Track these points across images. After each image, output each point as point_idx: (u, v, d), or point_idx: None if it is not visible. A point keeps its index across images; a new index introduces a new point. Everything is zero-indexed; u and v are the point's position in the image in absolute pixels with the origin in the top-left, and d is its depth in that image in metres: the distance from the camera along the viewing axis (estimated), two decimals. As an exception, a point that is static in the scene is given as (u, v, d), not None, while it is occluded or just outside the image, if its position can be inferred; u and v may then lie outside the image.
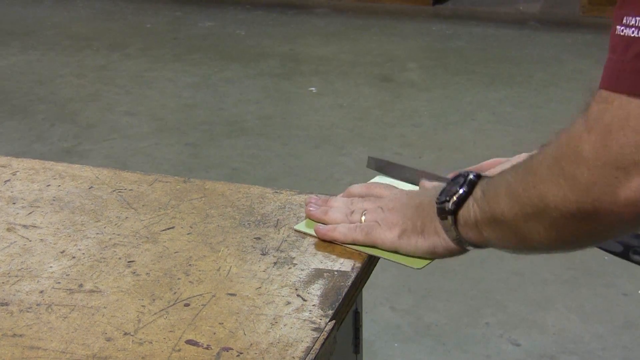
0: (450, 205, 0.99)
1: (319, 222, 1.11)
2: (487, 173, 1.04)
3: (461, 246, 1.02)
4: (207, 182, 1.23)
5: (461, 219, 0.99)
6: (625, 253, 1.04)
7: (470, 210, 0.98)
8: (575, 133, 0.83)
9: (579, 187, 0.82)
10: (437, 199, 1.01)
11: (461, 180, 1.00)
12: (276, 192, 1.20)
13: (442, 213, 1.00)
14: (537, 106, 4.01)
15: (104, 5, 5.64)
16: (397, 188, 1.13)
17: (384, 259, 1.06)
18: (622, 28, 0.79)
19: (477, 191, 0.98)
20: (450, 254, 1.04)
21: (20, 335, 0.91)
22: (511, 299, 2.61)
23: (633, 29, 0.78)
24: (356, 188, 1.15)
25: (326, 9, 5.48)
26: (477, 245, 1.01)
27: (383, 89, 4.26)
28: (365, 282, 1.06)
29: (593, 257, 2.78)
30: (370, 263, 1.06)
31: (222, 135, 3.77)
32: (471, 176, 1.00)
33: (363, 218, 1.08)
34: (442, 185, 1.04)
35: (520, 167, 0.92)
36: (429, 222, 1.03)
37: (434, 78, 4.39)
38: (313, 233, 1.09)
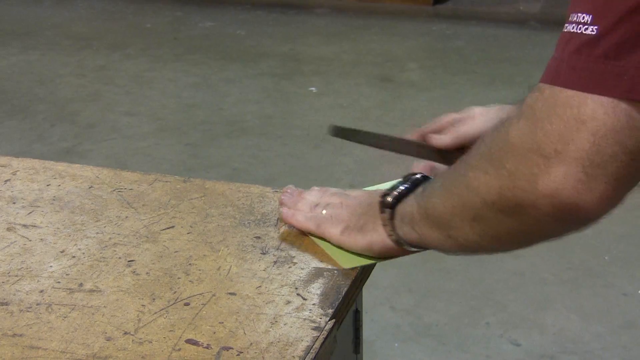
0: (389, 198, 1.01)
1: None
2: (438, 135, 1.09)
3: (399, 245, 1.02)
4: (207, 182, 1.23)
5: (398, 214, 1.00)
6: None
7: (408, 205, 0.99)
8: (508, 121, 0.83)
9: (503, 174, 0.82)
10: (381, 194, 1.03)
11: (408, 178, 1.03)
12: (276, 191, 1.20)
13: (382, 206, 1.02)
14: (537, 106, 4.00)
15: (104, 5, 5.64)
16: (367, 190, 1.14)
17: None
18: (567, 25, 0.80)
19: (419, 188, 1.00)
20: (387, 252, 1.04)
21: (21, 335, 0.91)
22: (511, 299, 2.61)
23: (574, 24, 0.79)
24: (331, 188, 1.16)
25: (326, 9, 5.47)
26: (413, 244, 1.01)
27: (383, 89, 4.26)
28: (365, 282, 1.06)
29: (593, 257, 2.78)
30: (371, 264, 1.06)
31: (222, 135, 3.77)
32: (418, 175, 1.03)
33: (324, 212, 1.09)
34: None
35: (459, 161, 0.92)
36: (372, 220, 1.03)
37: (434, 78, 4.39)
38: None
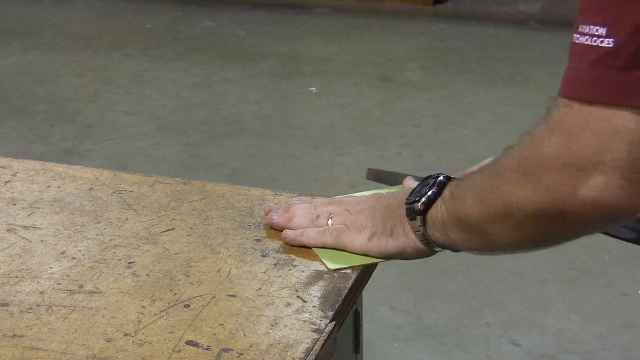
0: (419, 205, 1.01)
1: (283, 230, 1.10)
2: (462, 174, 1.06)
3: (430, 247, 1.03)
4: (207, 184, 1.23)
5: (429, 219, 1.01)
6: (638, 238, 1.05)
7: (439, 211, 1.00)
8: (538, 136, 0.85)
9: (541, 188, 0.85)
10: (407, 199, 1.02)
11: (431, 181, 1.02)
12: (276, 194, 1.21)
13: (411, 213, 1.02)
14: (537, 106, 4.00)
15: (104, 5, 5.64)
16: (363, 195, 1.13)
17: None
18: (578, 36, 0.82)
19: (446, 192, 1.00)
20: (419, 255, 1.05)
21: (21, 336, 0.91)
22: (511, 299, 2.61)
23: (587, 37, 0.81)
24: (318, 198, 1.15)
25: (326, 9, 5.47)
26: (445, 247, 1.02)
27: (383, 88, 4.26)
28: (366, 284, 1.06)
29: (593, 257, 2.78)
30: (370, 264, 1.06)
31: (222, 135, 3.77)
32: (441, 177, 1.02)
33: (330, 222, 1.07)
34: (411, 188, 1.06)
35: (487, 169, 0.95)
36: (399, 224, 1.04)
37: (434, 78, 4.39)
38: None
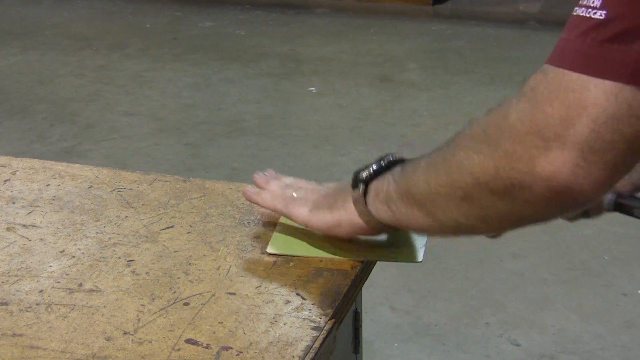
0: (363, 174, 1.00)
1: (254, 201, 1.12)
2: None
3: (368, 223, 1.00)
4: (206, 182, 1.23)
5: (372, 190, 0.99)
6: None
7: (384, 183, 0.98)
8: (507, 103, 0.82)
9: (499, 154, 0.81)
10: (355, 171, 1.01)
11: (383, 157, 1.01)
12: (276, 191, 1.20)
13: (355, 182, 1.00)
14: (537, 106, 4.00)
15: (104, 5, 5.64)
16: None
17: (380, 260, 1.06)
18: (577, 8, 0.80)
19: (398, 168, 0.98)
20: (355, 230, 1.02)
21: (20, 335, 0.91)
22: (511, 299, 2.61)
23: (584, 8, 0.79)
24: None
25: (326, 9, 5.47)
26: (385, 224, 0.99)
27: (383, 89, 4.26)
28: (365, 281, 1.06)
29: (593, 257, 2.78)
30: (369, 262, 1.06)
31: (221, 135, 3.77)
32: (393, 156, 1.01)
33: (295, 194, 1.08)
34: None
35: (444, 143, 0.91)
36: (342, 198, 1.02)
37: (433, 78, 4.39)
38: (283, 252, 1.07)
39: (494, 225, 0.90)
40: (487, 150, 0.83)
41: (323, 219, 1.04)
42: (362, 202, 0.99)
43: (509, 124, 0.81)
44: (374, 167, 1.00)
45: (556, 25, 5.04)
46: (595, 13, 0.77)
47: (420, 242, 1.07)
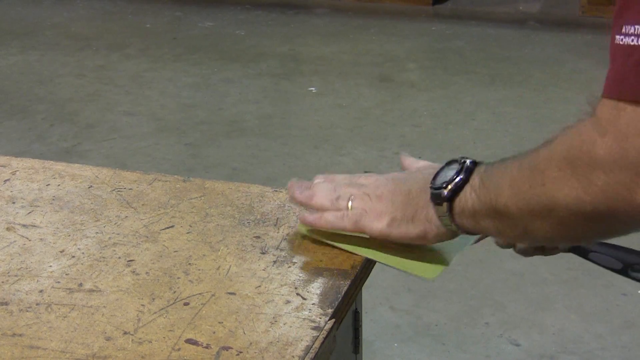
0: (446, 192, 0.97)
1: (303, 207, 1.10)
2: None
3: (454, 234, 1.01)
4: (206, 181, 1.23)
5: (457, 206, 0.98)
6: (624, 270, 1.05)
7: (468, 198, 0.97)
8: (587, 136, 0.83)
9: (595, 190, 0.83)
10: (432, 184, 0.99)
11: (457, 166, 0.99)
12: (276, 190, 1.20)
13: (438, 199, 0.98)
14: (537, 106, 4.01)
15: (104, 5, 5.64)
16: (380, 175, 1.11)
17: (396, 269, 1.05)
18: (622, 37, 0.80)
19: (475, 179, 0.97)
20: (440, 239, 1.03)
21: (20, 335, 0.91)
22: (511, 299, 2.61)
23: (632, 37, 0.79)
24: (338, 176, 1.13)
25: (326, 9, 5.48)
26: (471, 233, 1.00)
27: (383, 89, 4.26)
28: (365, 281, 1.06)
29: (593, 257, 2.78)
30: (369, 262, 1.06)
31: (221, 135, 3.77)
32: (468, 162, 0.98)
33: (350, 204, 1.06)
34: (429, 168, 1.04)
35: (525, 161, 0.91)
36: (420, 209, 1.01)
37: (433, 78, 4.39)
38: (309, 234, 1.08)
39: (589, 240, 0.96)
40: (579, 185, 0.84)
41: (406, 232, 1.03)
42: (449, 218, 0.99)
43: (600, 160, 0.82)
44: (456, 180, 0.97)
45: (556, 25, 5.05)
46: None
47: (442, 261, 1.06)
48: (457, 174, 0.98)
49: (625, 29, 0.80)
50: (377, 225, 1.03)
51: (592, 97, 0.84)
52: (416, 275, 1.04)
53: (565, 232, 0.90)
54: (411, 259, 1.05)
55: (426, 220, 1.01)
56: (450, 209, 0.98)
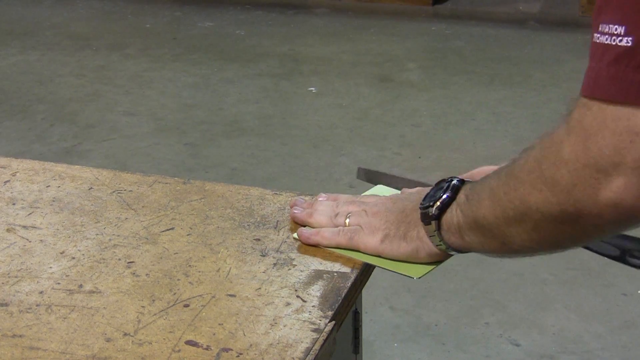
0: (433, 210, 1.00)
1: (303, 225, 1.11)
2: (469, 178, 1.05)
3: (444, 251, 1.03)
4: (206, 184, 1.23)
5: (444, 224, 1.00)
6: (622, 257, 1.05)
7: (454, 215, 0.99)
8: (556, 137, 0.85)
9: (560, 190, 0.84)
10: (421, 204, 1.02)
11: (445, 185, 1.01)
12: (276, 193, 1.21)
13: (426, 218, 1.01)
14: (537, 106, 4.01)
15: (104, 5, 5.64)
16: (383, 196, 1.13)
17: (383, 268, 1.05)
18: (598, 35, 0.81)
19: (461, 196, 1.00)
20: (432, 258, 1.05)
21: (20, 336, 0.91)
22: (511, 299, 2.61)
23: (607, 36, 0.80)
24: (342, 195, 1.15)
25: (326, 9, 5.48)
26: (460, 250, 1.02)
27: (383, 89, 4.26)
28: (365, 283, 1.06)
29: (593, 257, 2.76)
30: (369, 264, 1.06)
31: (221, 135, 3.77)
32: (455, 181, 1.01)
33: (347, 221, 1.08)
34: (425, 190, 1.05)
35: (503, 171, 0.93)
36: (412, 228, 1.03)
37: (433, 78, 4.39)
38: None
39: (566, 247, 0.94)
40: (546, 188, 0.85)
41: (399, 249, 1.04)
42: (437, 237, 1.01)
43: (564, 160, 0.83)
44: (443, 198, 1.00)
45: (556, 25, 5.05)
46: (621, 40, 0.79)
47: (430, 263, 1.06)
48: (444, 192, 1.00)
49: (602, 27, 0.80)
50: (371, 240, 1.05)
51: (572, 99, 0.85)
52: (401, 274, 1.04)
53: (541, 239, 0.91)
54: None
55: (417, 238, 1.03)
56: (439, 227, 1.00)
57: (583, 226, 0.86)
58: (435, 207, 1.00)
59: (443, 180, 1.02)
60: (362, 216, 1.07)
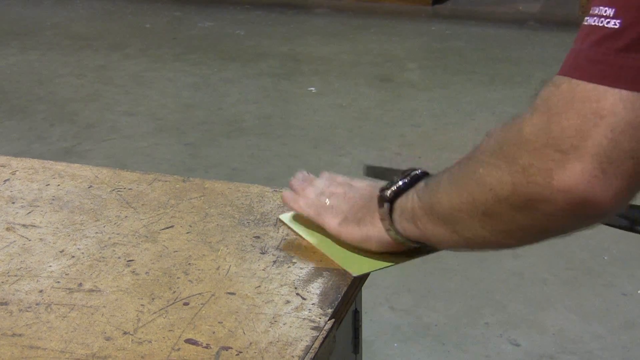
0: (388, 192, 1.00)
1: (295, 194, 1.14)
2: None
3: (396, 240, 1.01)
4: (206, 181, 1.23)
5: (398, 208, 0.99)
6: (631, 227, 1.03)
7: (409, 200, 0.98)
8: (522, 117, 0.81)
9: (517, 169, 0.80)
10: (380, 188, 1.02)
11: (407, 172, 1.02)
12: (275, 191, 1.20)
13: (380, 201, 1.01)
14: (537, 106, 4.00)
15: (104, 5, 5.64)
16: (370, 183, 1.12)
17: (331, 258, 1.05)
18: (587, 18, 0.79)
19: (421, 184, 0.99)
20: (383, 247, 1.03)
21: (20, 335, 0.91)
22: (511, 299, 2.61)
23: (596, 17, 0.78)
24: (339, 177, 1.15)
25: (326, 9, 5.48)
26: (412, 240, 1.00)
27: (382, 89, 4.26)
28: (365, 281, 1.06)
29: (593, 257, 2.78)
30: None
31: (221, 135, 3.77)
32: (417, 171, 1.01)
33: (327, 201, 1.09)
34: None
35: (465, 157, 0.91)
36: (370, 213, 1.03)
37: (433, 78, 4.39)
38: (294, 228, 1.11)
39: (519, 239, 0.89)
40: (504, 165, 0.82)
41: (352, 233, 1.04)
42: (388, 220, 1.00)
43: (524, 138, 0.80)
44: (399, 184, 1.00)
45: (556, 25, 5.05)
46: (608, 22, 0.76)
47: (375, 265, 1.04)
48: (403, 178, 1.01)
49: (593, 10, 0.78)
50: (331, 221, 1.07)
51: (541, 81, 0.82)
52: (340, 267, 1.03)
53: (492, 226, 0.87)
54: (347, 252, 1.06)
55: (371, 223, 1.03)
56: (391, 210, 0.99)
57: (535, 213, 0.81)
58: (390, 189, 1.00)
59: (408, 170, 1.02)
60: (339, 199, 1.09)
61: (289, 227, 1.11)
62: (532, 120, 0.79)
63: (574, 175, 0.77)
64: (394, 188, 1.00)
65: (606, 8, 0.76)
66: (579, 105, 0.76)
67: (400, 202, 0.99)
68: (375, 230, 1.02)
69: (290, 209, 1.12)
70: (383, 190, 1.01)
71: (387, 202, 1.00)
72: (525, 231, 0.86)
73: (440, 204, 0.93)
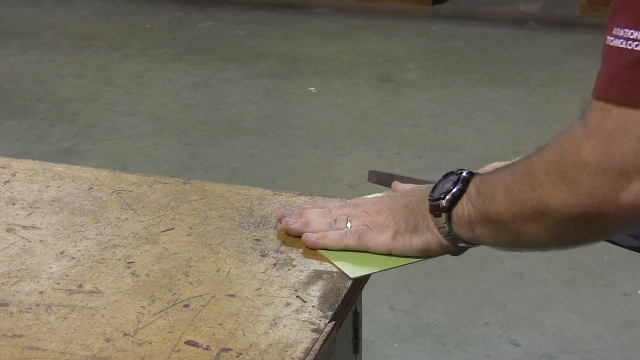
0: (444, 202, 1.00)
1: (298, 237, 1.09)
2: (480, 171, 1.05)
3: (454, 243, 1.02)
4: (206, 184, 1.23)
5: (454, 216, 1.00)
6: None
7: (465, 208, 0.99)
8: (575, 139, 0.85)
9: (581, 192, 0.85)
10: (430, 195, 1.02)
11: (454, 177, 1.01)
12: (276, 193, 1.21)
13: (436, 210, 1.01)
14: (537, 106, 4.01)
15: (104, 5, 5.64)
16: (376, 196, 1.12)
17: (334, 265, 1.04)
18: (612, 39, 0.82)
19: (471, 189, 0.99)
20: (443, 251, 1.04)
21: (20, 336, 0.91)
22: (511, 299, 2.61)
23: (622, 40, 0.81)
24: (329, 201, 1.15)
25: (326, 9, 5.48)
26: (470, 243, 1.02)
27: (382, 89, 4.26)
28: (365, 283, 1.06)
29: (593, 257, 2.78)
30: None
31: (221, 135, 3.77)
32: (464, 173, 1.01)
33: (349, 224, 1.07)
34: (420, 186, 1.06)
35: (517, 168, 0.93)
36: (422, 220, 1.03)
37: (433, 78, 4.39)
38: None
39: (580, 243, 0.95)
40: (567, 189, 0.86)
41: (411, 244, 1.04)
42: (448, 229, 1.01)
43: (584, 162, 0.84)
44: (454, 191, 1.00)
45: (555, 25, 5.05)
46: (637, 45, 0.80)
47: (371, 269, 1.04)
48: (454, 184, 1.00)
49: (616, 31, 0.81)
50: (381, 238, 1.05)
51: (584, 100, 0.86)
52: (338, 270, 1.03)
53: (559, 236, 0.92)
54: (347, 254, 1.05)
55: (428, 230, 1.03)
56: (449, 219, 1.00)
57: (602, 225, 0.87)
58: (445, 199, 1.00)
59: (452, 173, 1.02)
60: (365, 216, 1.07)
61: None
62: (591, 145, 0.84)
63: (639, 191, 0.83)
64: (449, 197, 1.00)
65: (632, 31, 0.80)
66: (636, 130, 0.81)
67: (456, 211, 1.00)
68: (434, 238, 1.03)
69: (320, 248, 1.06)
70: (436, 199, 1.01)
71: (445, 212, 1.00)
72: (593, 236, 0.93)
73: (500, 215, 0.95)
